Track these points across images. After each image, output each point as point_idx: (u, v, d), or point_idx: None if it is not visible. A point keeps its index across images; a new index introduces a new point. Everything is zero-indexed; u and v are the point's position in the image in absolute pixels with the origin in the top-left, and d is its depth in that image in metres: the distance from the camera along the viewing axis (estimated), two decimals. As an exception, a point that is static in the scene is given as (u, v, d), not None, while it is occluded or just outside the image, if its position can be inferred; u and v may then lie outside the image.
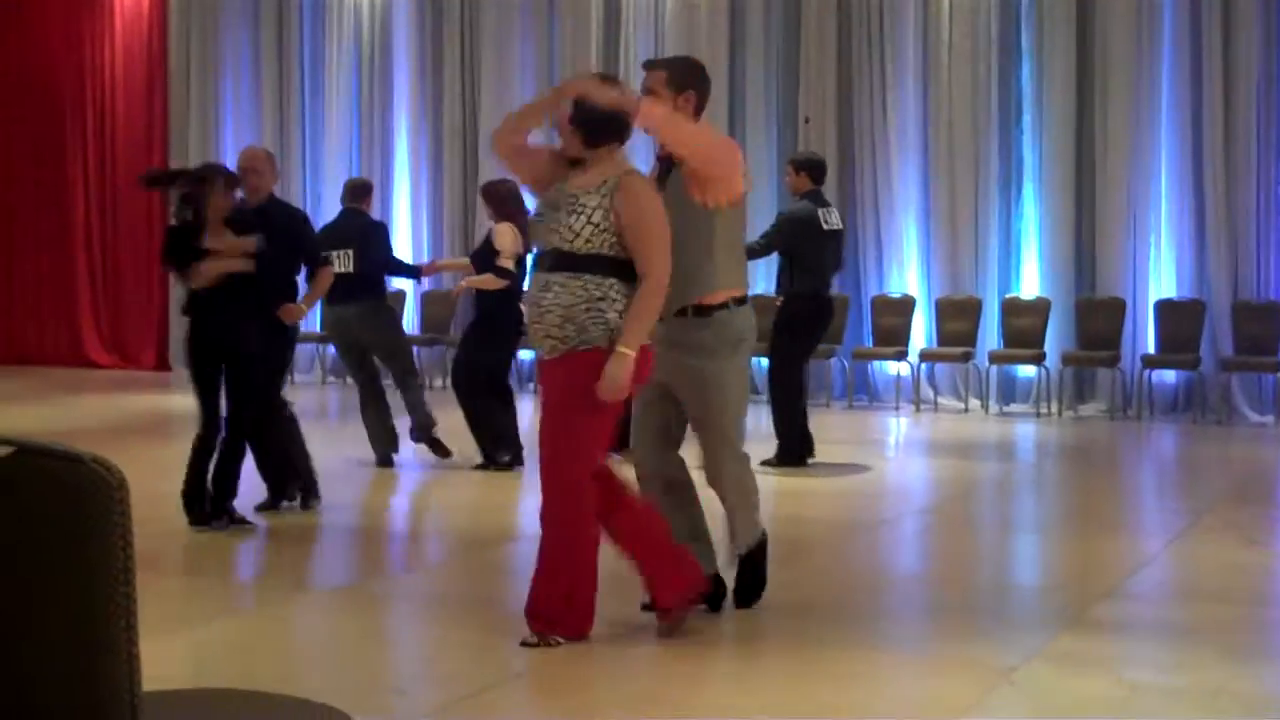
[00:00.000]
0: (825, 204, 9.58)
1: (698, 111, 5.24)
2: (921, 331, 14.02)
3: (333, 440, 9.97)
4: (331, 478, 8.22)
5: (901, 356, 13.76)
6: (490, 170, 16.19)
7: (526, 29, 16.08)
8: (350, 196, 9.80)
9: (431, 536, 7.72)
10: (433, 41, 16.66)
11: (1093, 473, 10.27)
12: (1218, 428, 12.41)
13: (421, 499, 9.03)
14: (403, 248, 16.91)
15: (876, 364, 14.14)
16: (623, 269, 4.80)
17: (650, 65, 5.40)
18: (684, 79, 5.24)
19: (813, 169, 9.64)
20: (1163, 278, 13.34)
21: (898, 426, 12.76)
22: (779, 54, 14.89)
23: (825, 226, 9.36)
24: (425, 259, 16.70)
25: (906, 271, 14.16)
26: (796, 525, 7.58)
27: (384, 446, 9.42)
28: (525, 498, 8.94)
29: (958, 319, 13.76)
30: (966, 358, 13.54)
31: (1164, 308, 13.14)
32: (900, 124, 14.24)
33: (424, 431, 9.44)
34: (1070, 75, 13.57)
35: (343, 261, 9.08)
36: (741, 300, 5.28)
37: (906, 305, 13.89)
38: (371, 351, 9.52)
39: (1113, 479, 10.18)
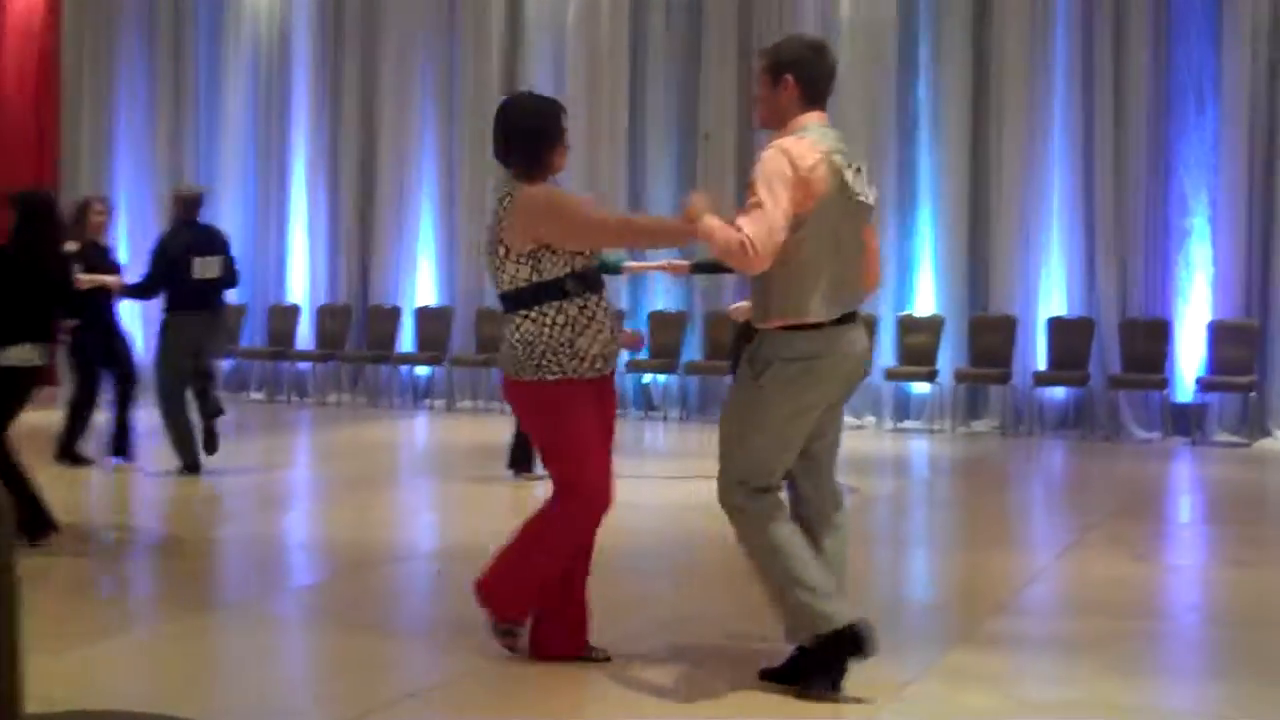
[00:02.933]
0: None
1: (806, 95, 4.54)
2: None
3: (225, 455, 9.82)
4: (220, 495, 8.11)
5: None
6: (388, 183, 16.15)
7: (427, 41, 16.02)
8: (197, 208, 9.93)
9: (318, 553, 7.62)
10: (333, 53, 16.56)
11: (984, 489, 10.40)
12: (1106, 444, 12.62)
13: (305, 516, 8.92)
14: (298, 262, 16.79)
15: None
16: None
17: (761, 53, 4.76)
18: (779, 64, 4.57)
19: None
20: (1054, 295, 13.56)
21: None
22: (680, 69, 14.96)
23: None
24: (324, 273, 16.61)
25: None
26: (690, 543, 7.60)
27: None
28: (407, 514, 8.89)
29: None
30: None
31: (1055, 325, 13.35)
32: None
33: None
34: (966, 94, 13.77)
35: (210, 268, 9.56)
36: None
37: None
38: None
39: (1003, 495, 10.30)
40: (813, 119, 4.53)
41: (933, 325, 13.69)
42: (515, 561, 4.96)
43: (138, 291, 9.76)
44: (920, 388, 13.83)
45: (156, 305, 9.93)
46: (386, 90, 16.18)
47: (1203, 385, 12.79)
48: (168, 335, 9.62)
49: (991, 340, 13.49)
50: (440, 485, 10.03)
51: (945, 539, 8.31)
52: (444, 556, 7.30)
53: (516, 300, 4.79)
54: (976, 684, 4.78)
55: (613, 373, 4.93)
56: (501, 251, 4.75)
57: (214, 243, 9.82)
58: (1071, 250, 13.44)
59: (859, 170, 4.56)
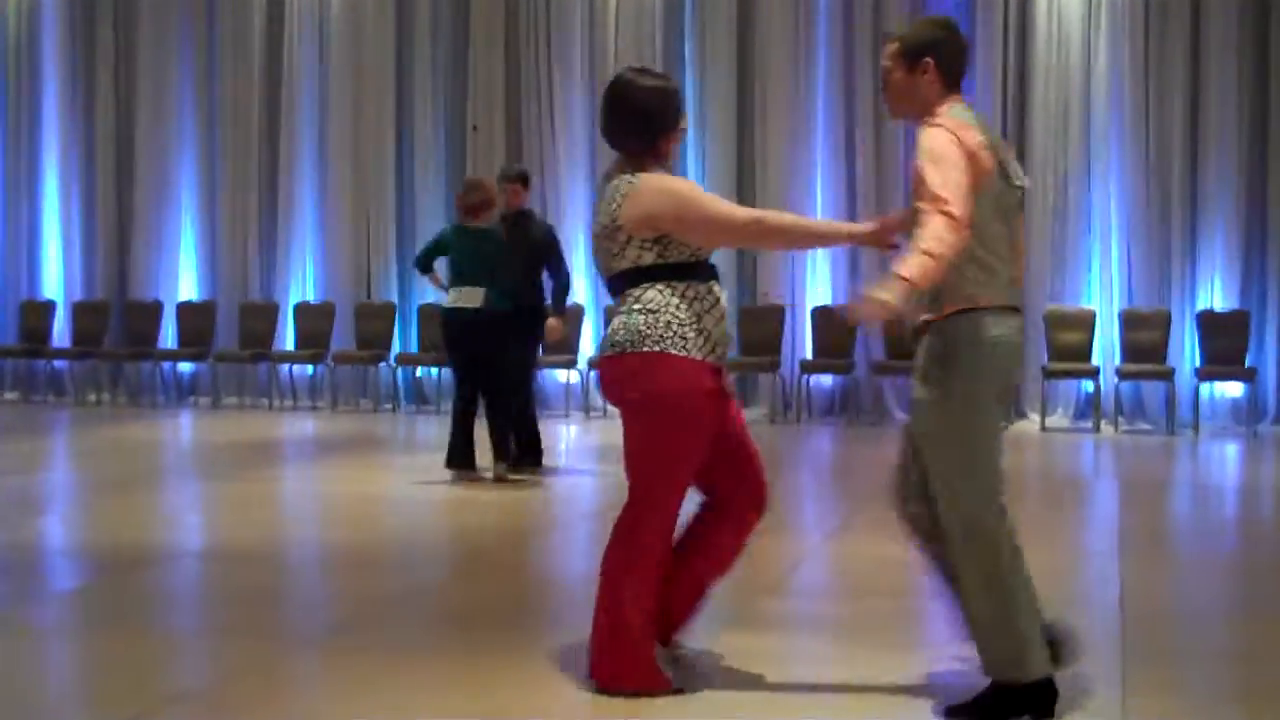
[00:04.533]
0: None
1: (946, 78, 4.25)
2: (590, 339, 14.19)
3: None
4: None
5: (572, 364, 13.90)
6: (145, 174, 15.66)
7: (184, 27, 15.59)
8: None
9: (78, 558, 7.34)
10: (84, 43, 15.99)
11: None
12: (871, 429, 12.97)
13: (63, 520, 8.60)
14: (52, 255, 16.18)
15: (545, 372, 14.23)
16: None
17: (887, 37, 4.43)
18: (916, 47, 4.26)
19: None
20: (819, 285, 13.87)
21: (568, 433, 12.86)
22: (447, 60, 14.87)
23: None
24: (79, 267, 16.04)
25: (575, 281, 14.28)
26: (468, 535, 7.57)
27: None
28: (170, 515, 8.64)
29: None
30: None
31: (820, 314, 13.65)
32: (569, 132, 14.41)
33: None
34: (731, 88, 14.00)
35: None
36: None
37: (575, 314, 14.02)
38: None
39: (772, 480, 10.46)
40: (957, 102, 4.26)
41: (703, 316, 13.86)
42: (610, 614, 4.47)
43: None
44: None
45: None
46: (143, 77, 15.73)
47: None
48: None
49: (760, 329, 13.72)
50: (205, 485, 9.77)
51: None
52: (209, 557, 7.12)
53: (638, 276, 4.42)
54: (748, 664, 4.84)
55: (726, 368, 4.57)
56: (622, 238, 4.39)
57: None
58: (835, 241, 13.74)
59: (1009, 149, 4.35)
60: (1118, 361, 13.03)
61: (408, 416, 14.22)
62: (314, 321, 15.09)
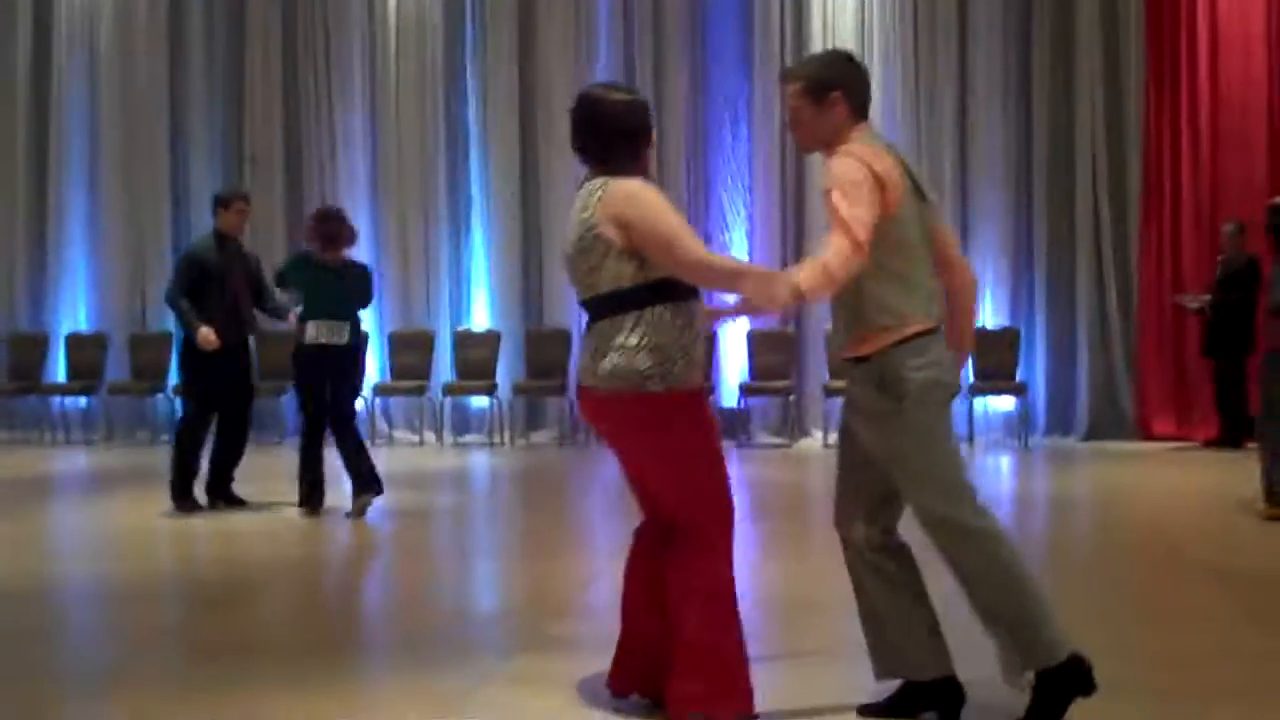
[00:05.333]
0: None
1: (854, 109, 4.31)
2: (374, 365, 14.01)
3: None
4: None
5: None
6: (31, 201, 14.96)
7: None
8: None
9: None
10: None
11: (544, 498, 10.58)
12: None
13: None
14: None
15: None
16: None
17: (785, 76, 4.45)
18: (823, 83, 4.30)
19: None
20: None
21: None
22: (223, 87, 14.58)
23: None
24: None
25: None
26: (236, 568, 7.41)
27: None
28: (48, 541, 8.29)
29: (411, 352, 13.85)
30: (421, 390, 13.66)
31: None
32: (349, 161, 14.25)
33: None
34: (514, 112, 14.00)
35: None
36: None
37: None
38: None
39: (562, 503, 10.49)
40: (866, 130, 4.32)
41: (490, 340, 13.83)
42: (693, 646, 4.30)
43: None
44: (479, 401, 13.95)
45: None
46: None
47: (745, 391, 13.43)
48: None
49: (547, 353, 13.72)
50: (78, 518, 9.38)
51: (507, 549, 8.39)
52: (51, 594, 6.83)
53: (625, 301, 4.25)
54: (542, 686, 4.82)
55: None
56: (601, 249, 4.23)
57: None
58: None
59: (915, 168, 4.40)
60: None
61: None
62: (87, 352, 14.60)
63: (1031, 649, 4.20)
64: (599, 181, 4.35)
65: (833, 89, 4.29)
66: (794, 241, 13.66)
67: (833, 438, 13.28)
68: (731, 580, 4.41)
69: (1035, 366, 13.53)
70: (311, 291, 8.92)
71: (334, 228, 8.97)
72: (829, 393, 13.15)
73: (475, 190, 14.15)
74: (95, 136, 14.78)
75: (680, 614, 4.31)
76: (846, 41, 13.52)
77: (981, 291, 13.47)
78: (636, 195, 4.27)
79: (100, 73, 14.76)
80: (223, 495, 9.33)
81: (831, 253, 4.03)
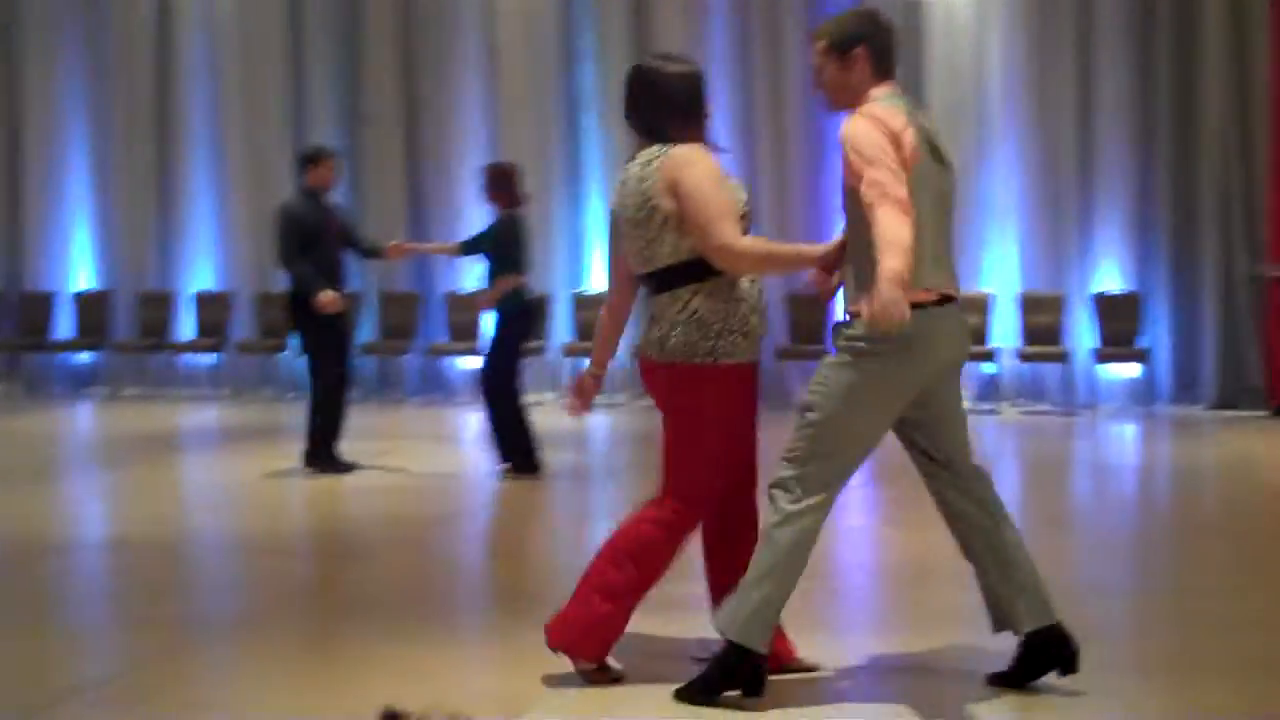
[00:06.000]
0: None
1: (879, 67, 4.26)
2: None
3: None
4: None
5: (473, 352, 13.85)
6: (35, 162, 15.35)
7: (72, 17, 15.28)
8: None
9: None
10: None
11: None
12: (776, 415, 13.03)
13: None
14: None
15: (448, 360, 14.21)
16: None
17: (813, 36, 4.40)
18: (846, 40, 4.25)
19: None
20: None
21: (470, 421, 12.81)
22: (340, 49, 14.72)
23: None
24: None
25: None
26: (367, 524, 7.54)
27: None
28: (69, 506, 8.51)
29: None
30: (541, 351, 13.76)
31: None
32: (467, 121, 14.32)
33: None
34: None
35: None
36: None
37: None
38: None
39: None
40: (888, 89, 4.26)
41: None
42: (589, 581, 4.46)
43: None
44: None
45: None
46: (30, 63, 15.33)
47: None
48: None
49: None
50: (105, 475, 9.63)
51: (627, 510, 8.42)
52: (110, 548, 7.02)
53: (684, 273, 4.31)
54: (666, 646, 4.85)
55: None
56: (659, 220, 4.28)
57: None
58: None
59: (937, 132, 4.32)
60: (1016, 344, 13.22)
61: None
62: (213, 310, 14.90)
63: (742, 623, 4.21)
64: (656, 148, 4.38)
65: (855, 45, 4.24)
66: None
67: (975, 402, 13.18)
68: (674, 552, 4.46)
69: (1159, 333, 13.28)
70: (524, 248, 9.06)
71: (521, 182, 9.09)
72: (971, 356, 13.02)
73: (591, 151, 14.17)
74: (217, 99, 14.99)
75: (603, 549, 4.48)
76: (965, 16, 13.32)
77: (1104, 257, 13.27)
78: (694, 162, 4.29)
79: (221, 36, 14.95)
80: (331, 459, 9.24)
81: (887, 228, 3.91)
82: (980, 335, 13.13)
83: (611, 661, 4.50)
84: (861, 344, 4.12)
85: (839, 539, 7.17)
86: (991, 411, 13.03)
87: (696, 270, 4.29)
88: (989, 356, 13.06)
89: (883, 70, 4.28)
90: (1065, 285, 13.26)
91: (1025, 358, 13.06)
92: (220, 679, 4.68)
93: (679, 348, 4.30)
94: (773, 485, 4.26)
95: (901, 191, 3.96)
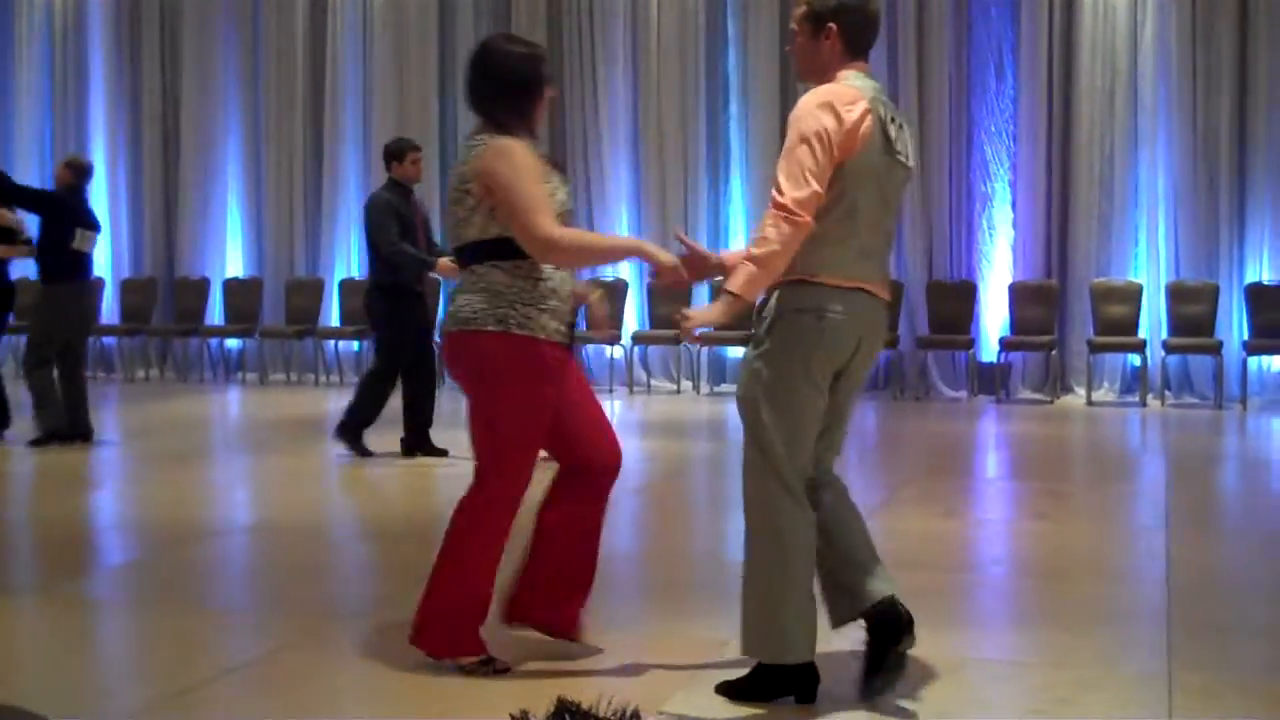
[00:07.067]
0: None
1: (850, 46, 4.15)
2: (634, 315, 14.24)
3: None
4: (25, 473, 7.84)
5: (616, 340, 13.92)
6: (192, 152, 15.76)
7: (228, 9, 15.67)
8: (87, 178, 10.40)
9: (130, 532, 7.43)
10: (129, 24, 16.11)
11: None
12: (916, 403, 12.95)
13: (114, 494, 8.70)
14: (100, 237, 16.27)
15: (591, 347, 14.28)
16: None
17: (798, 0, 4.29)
18: (822, 12, 4.14)
19: None
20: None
21: (612, 408, 12.89)
22: (490, 30, 14.87)
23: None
24: (127, 246, 16.18)
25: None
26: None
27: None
28: (221, 490, 8.72)
29: (666, 303, 13.98)
30: (678, 340, 13.78)
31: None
32: (611, 112, 14.40)
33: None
34: (774, 60, 13.93)
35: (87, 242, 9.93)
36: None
37: (619, 290, 14.04)
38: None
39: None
40: (855, 70, 4.16)
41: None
42: (445, 581, 4.49)
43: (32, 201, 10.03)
44: (734, 352, 14.01)
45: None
46: (188, 57, 15.81)
47: (1006, 345, 13.18)
48: (46, 305, 9.87)
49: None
50: (254, 460, 9.86)
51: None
52: (259, 531, 7.19)
53: (488, 250, 4.37)
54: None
55: (573, 346, 4.59)
56: (470, 203, 4.36)
57: (94, 219, 10.17)
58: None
59: (901, 126, 4.19)
60: (1165, 335, 12.94)
61: (454, 392, 14.22)
62: (359, 298, 15.13)
63: (755, 639, 4.17)
64: (480, 138, 4.40)
65: (829, 19, 4.14)
66: (1058, 193, 13.30)
67: (1096, 395, 12.96)
68: (505, 530, 4.48)
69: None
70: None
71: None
72: (1094, 348, 12.81)
73: (735, 140, 14.16)
74: (369, 86, 15.27)
75: (445, 558, 4.48)
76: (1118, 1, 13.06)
77: (1258, 247, 12.92)
78: (509, 154, 4.31)
79: (372, 28, 15.21)
80: (424, 445, 9.40)
81: (761, 240, 3.98)
82: (1129, 325, 12.88)
83: (495, 652, 4.53)
84: (790, 314, 4.08)
85: (981, 530, 7.10)
86: (1138, 403, 12.77)
87: (500, 249, 4.34)
88: (1137, 347, 12.81)
89: (854, 50, 4.17)
90: (1217, 275, 12.94)
91: (1173, 349, 12.78)
92: (365, 663, 4.75)
93: (470, 316, 4.35)
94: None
95: (802, 193, 3.94)
